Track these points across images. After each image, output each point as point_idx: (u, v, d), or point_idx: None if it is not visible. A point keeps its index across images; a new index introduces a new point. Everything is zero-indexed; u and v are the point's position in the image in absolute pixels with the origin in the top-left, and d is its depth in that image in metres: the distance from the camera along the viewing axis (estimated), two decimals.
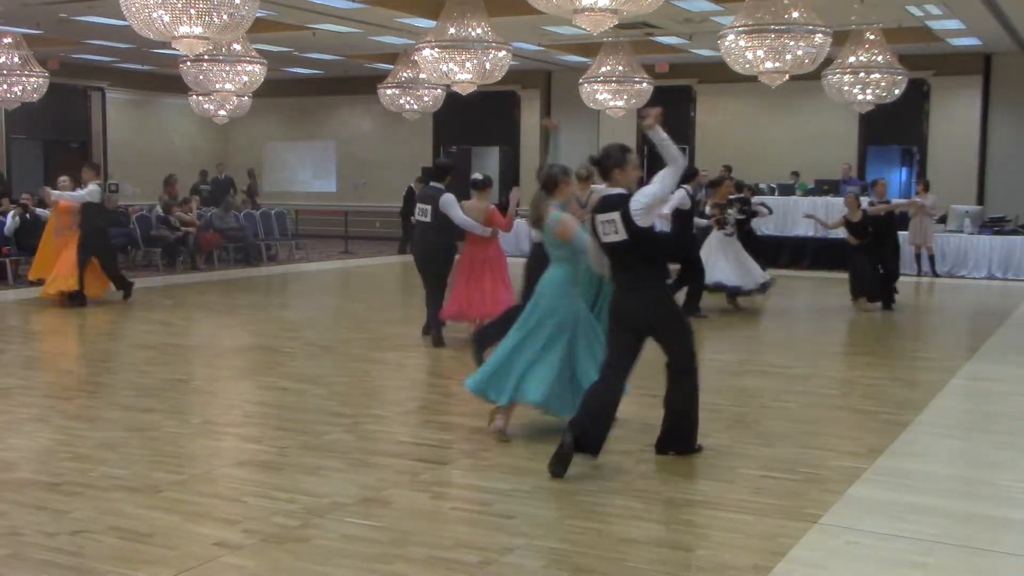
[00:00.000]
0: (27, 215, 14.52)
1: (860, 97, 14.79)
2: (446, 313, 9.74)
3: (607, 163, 5.77)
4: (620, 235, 5.62)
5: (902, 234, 17.27)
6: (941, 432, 6.88)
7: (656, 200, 5.66)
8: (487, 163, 25.63)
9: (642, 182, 5.84)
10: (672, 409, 5.90)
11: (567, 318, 6.17)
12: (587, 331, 6.26)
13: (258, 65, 14.56)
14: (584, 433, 5.49)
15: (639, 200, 5.60)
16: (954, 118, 19.72)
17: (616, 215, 5.61)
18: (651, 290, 5.73)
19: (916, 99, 19.17)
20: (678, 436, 5.94)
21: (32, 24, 16.07)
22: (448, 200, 9.49)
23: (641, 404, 7.53)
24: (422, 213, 9.78)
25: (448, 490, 5.37)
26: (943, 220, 17.58)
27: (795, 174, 19.45)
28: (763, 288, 12.40)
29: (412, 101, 18.11)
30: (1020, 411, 7.43)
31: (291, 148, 25.67)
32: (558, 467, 5.47)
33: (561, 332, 6.15)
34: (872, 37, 14.55)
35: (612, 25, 9.43)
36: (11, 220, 14.45)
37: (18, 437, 6.44)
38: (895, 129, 20.02)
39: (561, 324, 6.15)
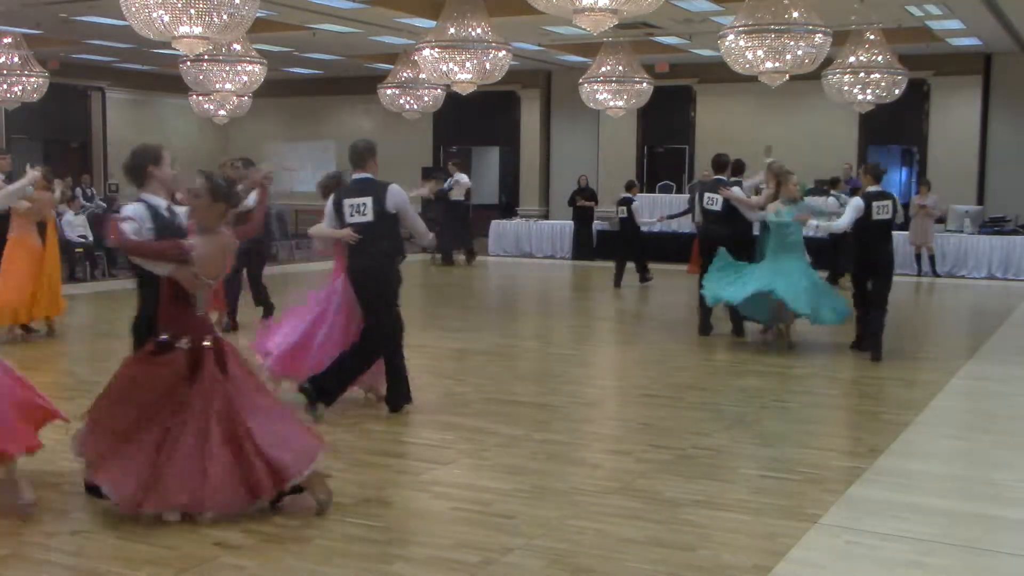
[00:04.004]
0: None
1: (860, 97, 14.76)
2: None
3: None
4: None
5: (899, 233, 17.37)
6: (941, 432, 6.88)
7: None
8: (487, 163, 25.63)
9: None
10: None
11: None
12: None
13: (258, 65, 14.54)
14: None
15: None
16: (954, 118, 19.70)
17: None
18: None
19: (916, 99, 19.14)
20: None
21: (32, 24, 16.06)
22: None
23: (642, 404, 7.55)
24: None
25: (448, 490, 5.36)
26: (943, 220, 17.58)
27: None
28: None
29: (412, 101, 18.09)
30: (1020, 411, 7.43)
31: (291, 148, 25.64)
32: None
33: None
34: (872, 37, 14.52)
35: (612, 25, 9.39)
36: None
37: None
38: (895, 129, 20.01)
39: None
